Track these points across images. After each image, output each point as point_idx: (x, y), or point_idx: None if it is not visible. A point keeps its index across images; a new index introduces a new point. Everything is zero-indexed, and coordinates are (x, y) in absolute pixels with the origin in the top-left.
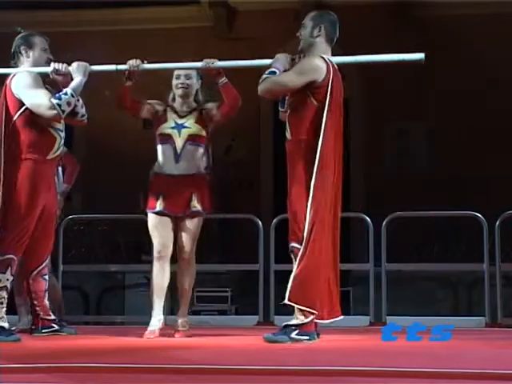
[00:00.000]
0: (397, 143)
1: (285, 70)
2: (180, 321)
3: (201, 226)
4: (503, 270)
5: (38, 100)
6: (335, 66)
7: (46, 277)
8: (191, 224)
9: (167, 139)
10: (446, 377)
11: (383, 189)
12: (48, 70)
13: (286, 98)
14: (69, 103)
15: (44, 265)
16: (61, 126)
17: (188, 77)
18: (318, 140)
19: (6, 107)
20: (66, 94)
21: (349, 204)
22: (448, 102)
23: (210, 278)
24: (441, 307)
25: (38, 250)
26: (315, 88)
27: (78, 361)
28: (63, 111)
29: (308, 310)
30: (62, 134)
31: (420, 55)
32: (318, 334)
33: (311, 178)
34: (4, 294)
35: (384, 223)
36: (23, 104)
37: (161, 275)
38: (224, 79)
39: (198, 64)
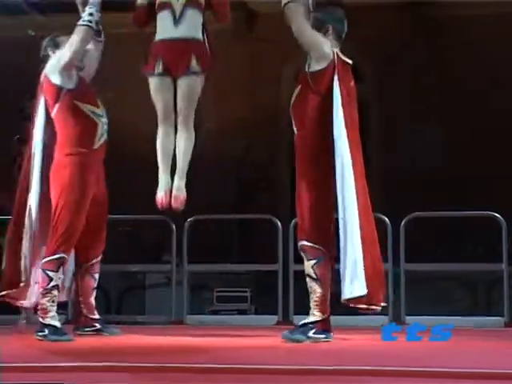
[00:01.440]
0: (410, 144)
1: None
2: (176, 183)
3: (200, 87)
4: None
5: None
6: (344, 60)
7: (96, 275)
8: (190, 83)
9: (165, 5)
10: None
11: (400, 190)
12: None
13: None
14: (91, 14)
15: (94, 261)
16: (100, 111)
17: None
18: (331, 136)
19: (47, 103)
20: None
21: None
22: (463, 104)
23: (229, 278)
24: (459, 307)
25: (88, 246)
26: (318, 75)
27: (135, 360)
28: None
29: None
30: (104, 120)
31: None
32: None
33: (324, 175)
34: (56, 292)
35: (402, 223)
36: (61, 88)
37: (166, 138)
38: None
39: None
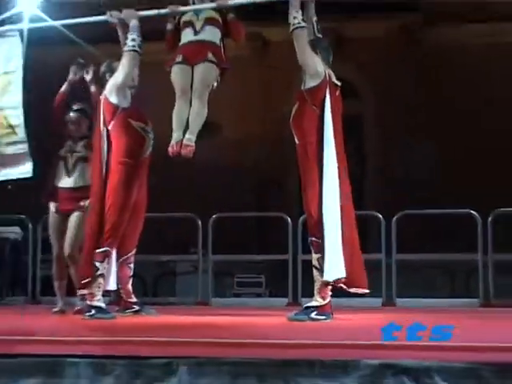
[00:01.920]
0: (405, 154)
1: (302, 6)
2: (187, 136)
3: (215, 75)
4: (494, 259)
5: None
6: (333, 79)
7: (131, 265)
8: (206, 68)
9: (188, 24)
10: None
11: (394, 191)
12: (104, 17)
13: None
14: (134, 40)
15: (130, 254)
16: (149, 127)
17: None
18: (322, 143)
19: (104, 120)
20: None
21: (364, 204)
22: (452, 119)
23: (247, 266)
24: (441, 290)
25: (126, 242)
26: (313, 90)
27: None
28: (137, 46)
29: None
30: (150, 135)
31: None
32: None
33: (321, 177)
34: (101, 280)
35: (394, 220)
36: (117, 107)
37: (181, 109)
38: (233, 16)
39: (213, 4)
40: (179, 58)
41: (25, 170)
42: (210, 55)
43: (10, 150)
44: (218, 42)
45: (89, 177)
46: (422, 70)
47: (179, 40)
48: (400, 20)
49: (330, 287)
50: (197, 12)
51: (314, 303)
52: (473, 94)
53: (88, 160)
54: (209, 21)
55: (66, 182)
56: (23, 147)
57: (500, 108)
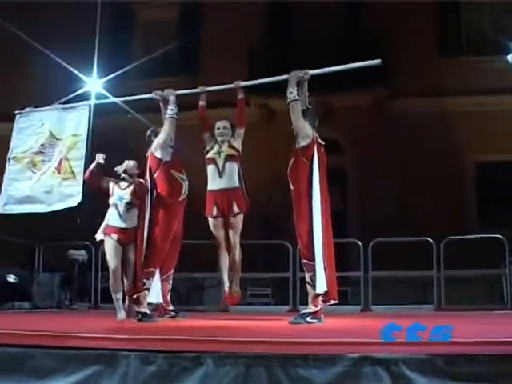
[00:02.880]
0: (377, 194)
1: (298, 83)
2: (234, 289)
3: (241, 222)
4: (445, 275)
5: (162, 132)
6: (318, 139)
7: (171, 281)
8: (236, 221)
9: (212, 161)
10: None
11: (370, 222)
12: (151, 95)
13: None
14: (172, 109)
15: (170, 273)
16: (184, 176)
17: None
18: (311, 188)
19: (150, 169)
20: (171, 109)
21: (347, 234)
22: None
23: (257, 281)
24: (406, 299)
25: (167, 263)
26: (305, 148)
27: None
28: (174, 114)
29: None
30: (186, 182)
31: (377, 61)
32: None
33: (311, 214)
34: (147, 292)
35: (370, 245)
36: (161, 160)
37: (224, 258)
38: (242, 96)
39: (231, 85)
40: (214, 212)
41: (71, 204)
42: (235, 208)
43: (68, 190)
44: (237, 184)
45: (135, 218)
46: (390, 131)
47: (207, 119)
48: (373, 93)
49: (320, 297)
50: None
51: (308, 310)
52: (423, 148)
53: (134, 205)
54: (228, 158)
55: (119, 223)
56: (77, 190)
57: (442, 160)
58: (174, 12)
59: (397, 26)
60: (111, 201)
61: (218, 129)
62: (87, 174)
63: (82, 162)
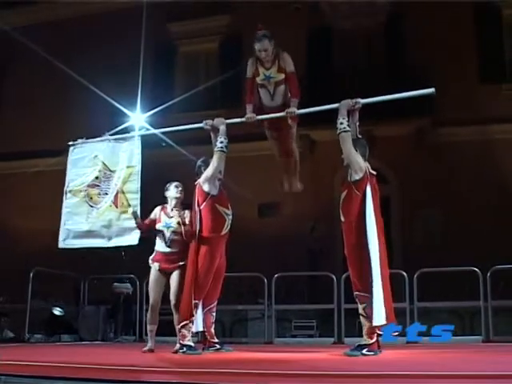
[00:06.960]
0: (421, 224)
1: (348, 113)
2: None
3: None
4: (493, 305)
5: (210, 165)
6: (371, 171)
7: (214, 314)
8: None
9: (262, 85)
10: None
11: (415, 252)
12: (201, 125)
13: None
14: (222, 142)
15: (213, 305)
16: (229, 210)
17: None
18: (364, 221)
19: (197, 201)
20: (221, 141)
21: (392, 265)
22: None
23: (302, 313)
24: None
25: (210, 295)
26: (358, 182)
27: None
28: (224, 147)
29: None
30: (230, 217)
31: (430, 90)
32: (380, 350)
33: (362, 247)
34: (191, 324)
35: (415, 276)
36: (208, 194)
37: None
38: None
39: (282, 113)
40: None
41: (132, 239)
42: (289, 121)
43: (126, 223)
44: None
45: (181, 244)
46: (433, 160)
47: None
48: (415, 122)
49: (376, 330)
50: (268, 75)
51: (363, 342)
52: (467, 177)
53: (180, 233)
54: (277, 83)
55: (163, 248)
56: (135, 222)
57: (486, 189)
58: (214, 43)
59: (438, 52)
60: (158, 226)
61: None
62: (138, 229)
63: (138, 196)
